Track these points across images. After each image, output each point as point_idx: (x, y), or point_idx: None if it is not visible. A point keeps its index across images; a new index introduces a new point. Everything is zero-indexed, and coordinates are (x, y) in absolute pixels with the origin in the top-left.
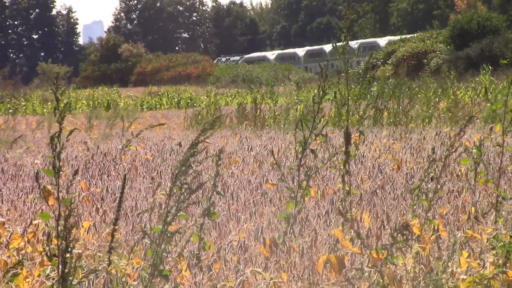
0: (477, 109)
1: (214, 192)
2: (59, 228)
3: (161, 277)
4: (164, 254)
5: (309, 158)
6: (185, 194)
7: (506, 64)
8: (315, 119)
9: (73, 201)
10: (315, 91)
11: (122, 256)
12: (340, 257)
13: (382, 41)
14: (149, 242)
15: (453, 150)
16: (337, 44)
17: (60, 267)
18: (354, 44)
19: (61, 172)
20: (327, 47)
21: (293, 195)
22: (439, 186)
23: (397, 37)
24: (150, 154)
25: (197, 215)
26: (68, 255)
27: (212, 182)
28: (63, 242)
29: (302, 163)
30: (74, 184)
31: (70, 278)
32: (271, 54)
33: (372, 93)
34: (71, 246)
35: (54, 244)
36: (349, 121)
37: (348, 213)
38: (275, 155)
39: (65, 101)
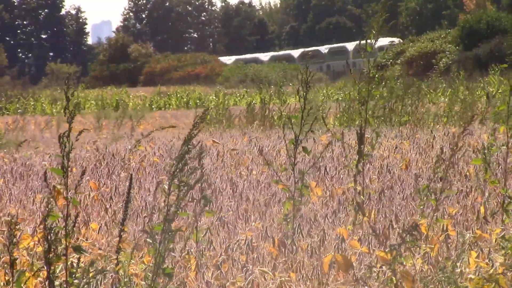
0: (483, 108)
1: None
2: (67, 228)
3: (164, 275)
4: (168, 252)
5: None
6: (184, 192)
7: (506, 67)
8: (303, 115)
9: (81, 200)
10: (324, 91)
11: (131, 255)
12: (347, 256)
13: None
14: (150, 241)
15: (458, 149)
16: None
17: (45, 267)
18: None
19: (69, 172)
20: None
21: (290, 195)
22: (447, 186)
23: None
24: (159, 154)
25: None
26: (51, 255)
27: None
28: (46, 244)
29: (296, 162)
30: (82, 184)
31: (56, 279)
32: (226, 59)
33: (381, 94)
34: (55, 247)
35: (63, 244)
36: (362, 121)
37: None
38: (284, 153)
39: (75, 101)
